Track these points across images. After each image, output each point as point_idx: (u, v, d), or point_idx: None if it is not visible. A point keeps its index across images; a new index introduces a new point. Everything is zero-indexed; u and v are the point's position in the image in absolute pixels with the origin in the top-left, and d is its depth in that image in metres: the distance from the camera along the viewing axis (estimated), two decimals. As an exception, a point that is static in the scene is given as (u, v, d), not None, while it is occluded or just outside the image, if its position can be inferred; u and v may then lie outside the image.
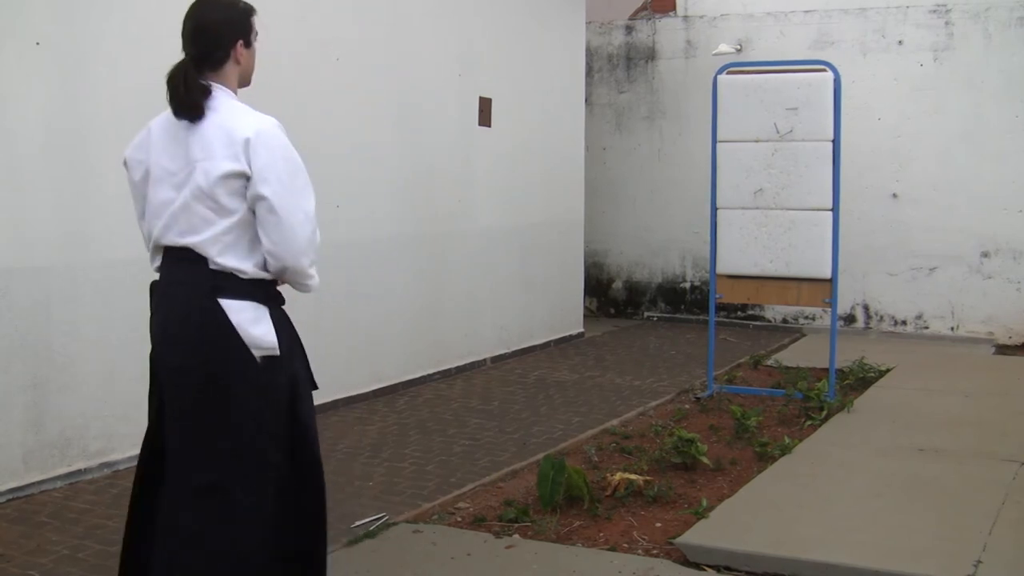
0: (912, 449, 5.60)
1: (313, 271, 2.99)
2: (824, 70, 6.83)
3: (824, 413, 6.33)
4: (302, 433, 3.05)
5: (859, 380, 7.39)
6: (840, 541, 4.19)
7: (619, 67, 10.93)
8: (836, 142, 6.70)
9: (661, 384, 7.64)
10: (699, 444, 5.32)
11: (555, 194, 9.30)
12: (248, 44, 3.05)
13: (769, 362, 8.28)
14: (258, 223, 2.89)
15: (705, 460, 5.29)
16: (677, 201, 10.62)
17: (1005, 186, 9.42)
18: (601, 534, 4.44)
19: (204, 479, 2.89)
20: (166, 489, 2.96)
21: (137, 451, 3.15)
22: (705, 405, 6.84)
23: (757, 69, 7.28)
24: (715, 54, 10.06)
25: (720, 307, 9.17)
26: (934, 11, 9.61)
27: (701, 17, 10.53)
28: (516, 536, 4.41)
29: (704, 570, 4.07)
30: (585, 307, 10.27)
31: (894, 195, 9.81)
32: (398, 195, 7.33)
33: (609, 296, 11.18)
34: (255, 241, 2.91)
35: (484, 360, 8.32)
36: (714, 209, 7.02)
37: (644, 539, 4.38)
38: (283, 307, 3.06)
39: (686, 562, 4.12)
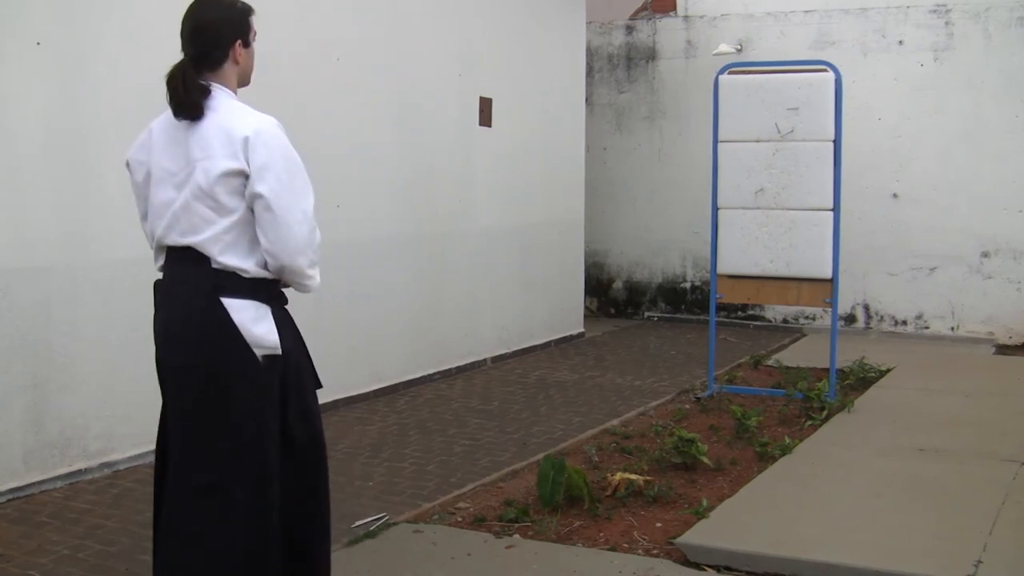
0: (912, 449, 5.60)
1: (313, 271, 2.98)
2: (825, 70, 6.83)
3: (824, 413, 6.33)
4: (306, 432, 3.05)
5: (859, 380, 7.39)
6: (840, 541, 4.19)
7: (619, 67, 10.93)
8: (837, 142, 6.71)
9: (661, 384, 7.64)
10: (699, 444, 5.32)
11: (555, 194, 9.30)
12: (247, 44, 3.05)
13: (769, 362, 8.27)
14: (256, 222, 2.89)
15: (705, 460, 5.29)
16: (677, 201, 10.62)
17: (1005, 186, 9.42)
18: (601, 534, 4.44)
19: (204, 479, 2.89)
20: (167, 489, 2.96)
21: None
22: (705, 405, 6.84)
23: (758, 69, 7.28)
24: (715, 54, 10.06)
25: (720, 307, 9.17)
26: (934, 11, 9.61)
27: (701, 17, 10.54)
28: (516, 536, 4.41)
29: (704, 570, 4.07)
30: (585, 307, 10.27)
31: (894, 195, 9.81)
32: (398, 195, 7.33)
33: (609, 296, 11.18)
34: (256, 240, 2.91)
35: (484, 360, 8.32)
36: (715, 209, 7.02)
37: (644, 539, 4.38)
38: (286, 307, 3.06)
39: (686, 562, 4.12)
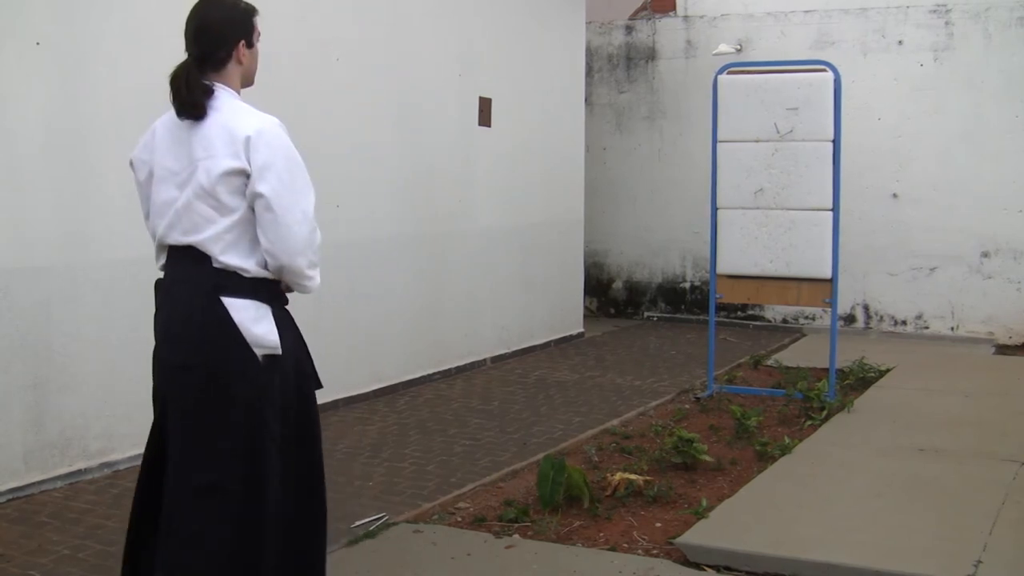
0: (912, 449, 5.60)
1: (312, 272, 2.98)
2: (824, 70, 6.83)
3: (824, 413, 6.33)
4: (305, 433, 3.05)
5: (859, 380, 7.40)
6: (840, 541, 4.19)
7: (619, 67, 10.93)
8: (836, 142, 6.70)
9: (661, 384, 7.64)
10: (699, 444, 5.32)
11: (555, 194, 9.30)
12: (250, 44, 3.06)
13: (769, 362, 8.28)
14: (256, 221, 2.89)
15: (706, 459, 5.29)
16: (677, 201, 10.62)
17: (1005, 186, 9.42)
18: (601, 534, 4.45)
19: (204, 479, 2.89)
20: (167, 489, 2.96)
21: (138, 451, 3.15)
22: (705, 405, 6.84)
23: (757, 69, 7.28)
24: (715, 54, 10.06)
25: (720, 307, 9.16)
26: (934, 11, 9.61)
27: (701, 17, 10.54)
28: (516, 536, 4.41)
29: (704, 570, 4.07)
30: (585, 307, 10.27)
31: (894, 195, 9.81)
32: (398, 195, 7.33)
33: (609, 296, 11.18)
34: (257, 240, 2.92)
35: (484, 360, 8.32)
36: (714, 209, 7.02)
37: (644, 539, 4.38)
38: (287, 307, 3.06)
39: (686, 562, 4.12)
